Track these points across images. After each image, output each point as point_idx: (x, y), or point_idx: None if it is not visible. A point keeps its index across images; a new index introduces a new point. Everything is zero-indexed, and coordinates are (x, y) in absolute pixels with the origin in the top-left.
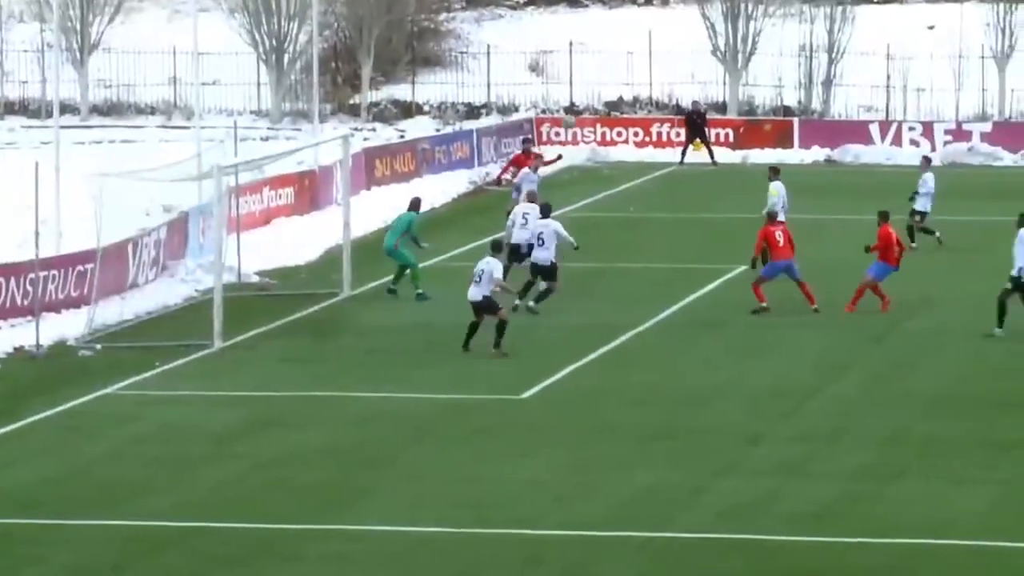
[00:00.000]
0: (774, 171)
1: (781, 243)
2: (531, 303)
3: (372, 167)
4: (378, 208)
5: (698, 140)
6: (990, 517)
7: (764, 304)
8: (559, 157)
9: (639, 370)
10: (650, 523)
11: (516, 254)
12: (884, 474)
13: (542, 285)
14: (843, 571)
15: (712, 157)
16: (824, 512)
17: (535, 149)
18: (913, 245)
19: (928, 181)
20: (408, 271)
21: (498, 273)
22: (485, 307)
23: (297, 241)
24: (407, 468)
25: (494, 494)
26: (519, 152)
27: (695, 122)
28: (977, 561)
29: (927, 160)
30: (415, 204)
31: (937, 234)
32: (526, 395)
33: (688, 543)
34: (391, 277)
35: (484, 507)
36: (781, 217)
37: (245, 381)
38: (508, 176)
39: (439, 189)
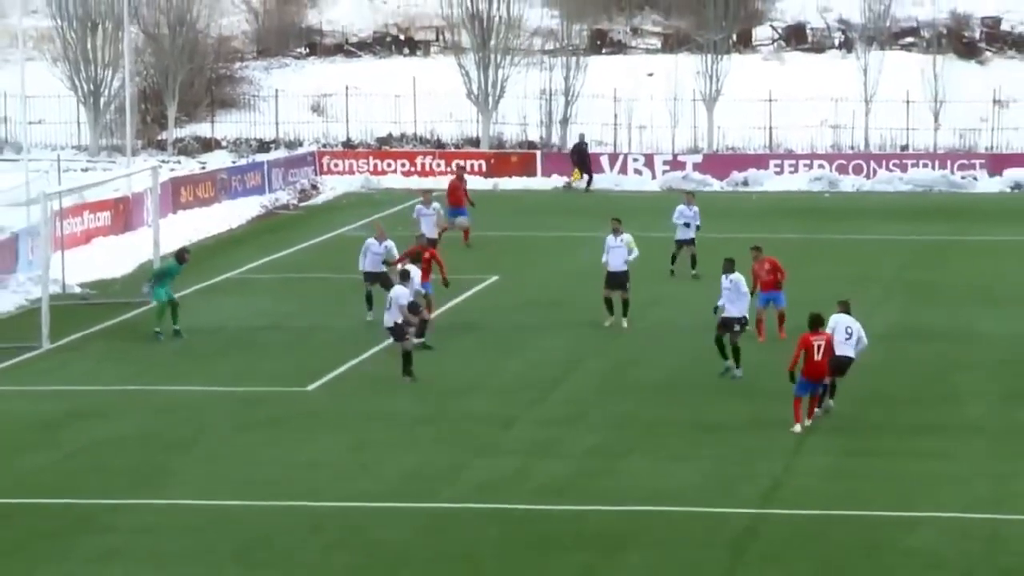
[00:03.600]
0: (617, 221)
1: (819, 357)
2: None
3: (178, 193)
4: (183, 228)
5: (577, 171)
6: (703, 487)
7: (802, 423)
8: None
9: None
10: (418, 496)
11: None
12: (615, 452)
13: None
14: (584, 535)
15: (588, 186)
16: (566, 485)
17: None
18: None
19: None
20: (168, 307)
21: (404, 300)
22: (394, 334)
23: (113, 257)
24: (206, 451)
25: (282, 473)
26: (454, 179)
27: (581, 153)
28: (694, 524)
29: (691, 195)
30: (181, 257)
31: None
32: (311, 387)
33: (451, 512)
34: (182, 293)
35: (273, 484)
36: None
37: (68, 378)
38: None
39: (235, 213)
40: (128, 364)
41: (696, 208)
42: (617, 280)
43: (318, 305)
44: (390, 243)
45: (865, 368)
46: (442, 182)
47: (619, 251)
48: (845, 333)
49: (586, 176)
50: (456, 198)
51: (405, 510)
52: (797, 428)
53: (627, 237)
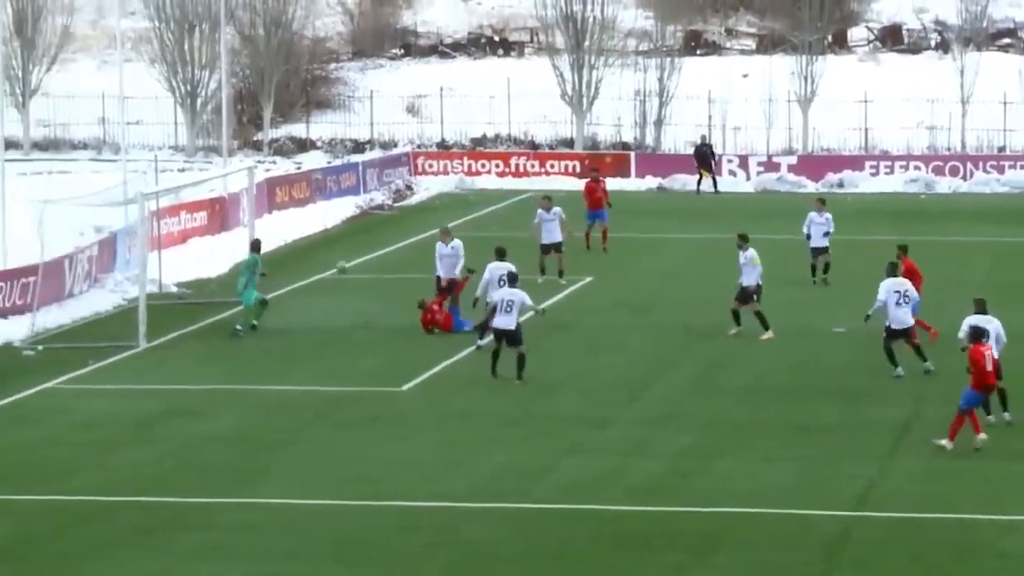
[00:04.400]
0: (742, 239)
1: (989, 368)
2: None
3: (273, 194)
4: (279, 228)
5: (703, 171)
6: (795, 488)
7: (982, 438)
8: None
9: (500, 365)
10: (510, 495)
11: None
12: (707, 452)
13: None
14: (675, 536)
15: (716, 186)
16: (657, 486)
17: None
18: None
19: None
20: (261, 305)
21: (528, 301)
22: (512, 336)
23: (209, 257)
24: (302, 450)
25: (376, 472)
26: (589, 180)
27: (703, 154)
28: (786, 526)
29: (821, 201)
30: (256, 246)
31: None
32: (406, 387)
33: (542, 512)
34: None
35: (368, 483)
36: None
37: (164, 376)
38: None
39: (330, 213)
40: (223, 363)
41: (828, 214)
42: (746, 295)
43: (412, 305)
44: (458, 243)
45: (959, 370)
46: (536, 184)
47: (749, 268)
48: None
49: (711, 177)
50: (595, 200)
51: (497, 510)
52: (947, 445)
53: (751, 253)
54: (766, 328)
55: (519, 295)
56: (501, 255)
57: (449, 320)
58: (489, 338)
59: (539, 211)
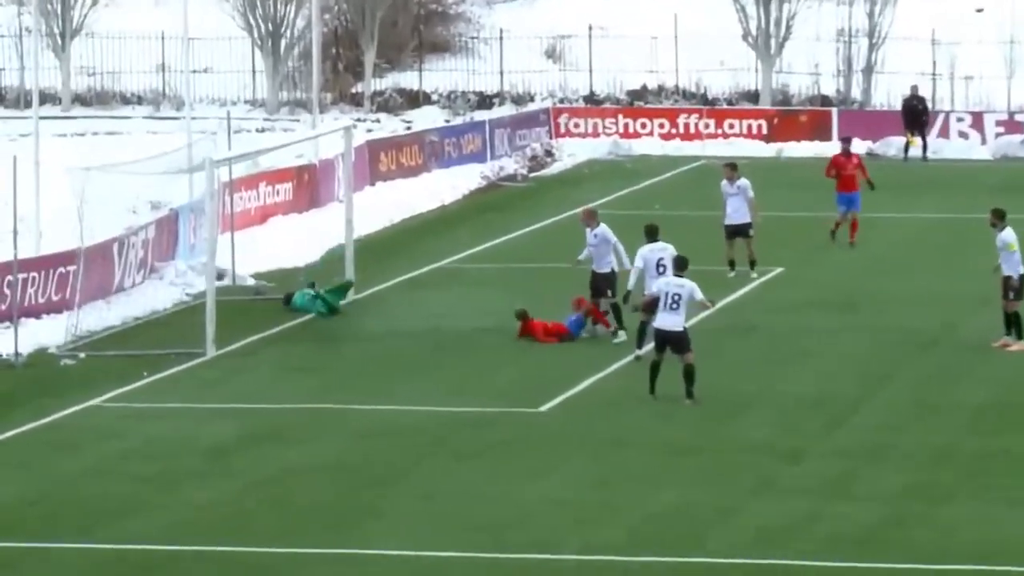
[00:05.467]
0: (997, 216)
1: None
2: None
3: (376, 161)
4: (383, 205)
5: (912, 133)
6: None
7: None
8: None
9: (664, 380)
10: (679, 546)
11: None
12: (932, 494)
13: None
14: None
15: (924, 152)
16: (867, 536)
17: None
18: None
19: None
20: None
21: (699, 294)
22: (678, 341)
23: (296, 240)
24: (417, 486)
25: (511, 515)
26: (838, 153)
27: (915, 110)
28: None
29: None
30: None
31: None
32: (544, 408)
33: (719, 569)
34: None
35: (501, 529)
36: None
37: (240, 392)
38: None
39: (448, 184)
40: (314, 376)
41: None
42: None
43: (552, 303)
44: (603, 229)
45: None
46: (710, 147)
47: (1006, 256)
48: None
49: (920, 140)
50: (847, 180)
51: (660, 565)
52: None
53: (1007, 236)
54: (1020, 336)
55: (687, 286)
56: (652, 234)
57: (552, 332)
58: (649, 346)
59: (722, 183)
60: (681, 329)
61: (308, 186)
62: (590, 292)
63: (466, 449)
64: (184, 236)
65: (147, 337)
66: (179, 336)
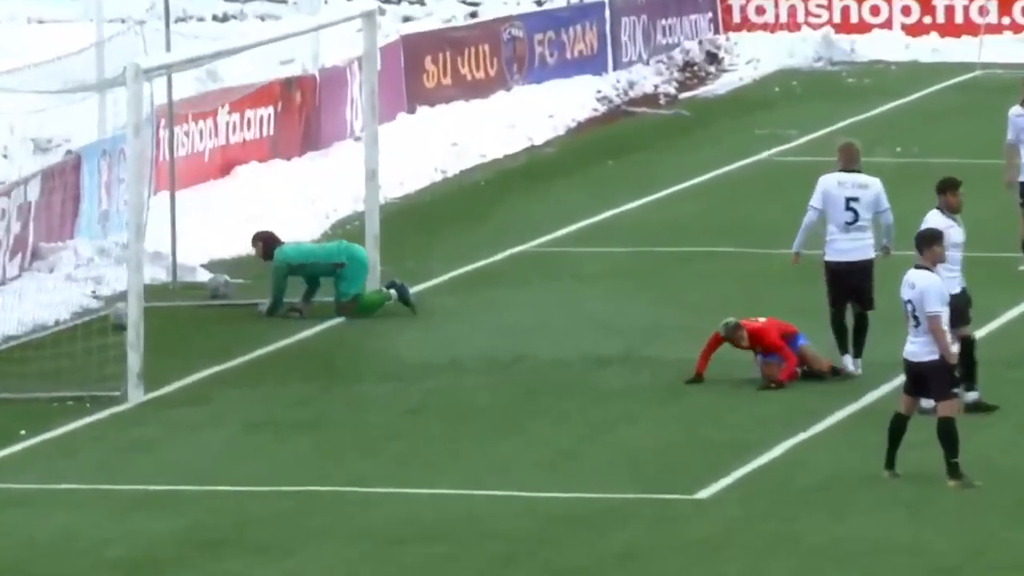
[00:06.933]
0: None
1: None
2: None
3: (419, 71)
4: (429, 146)
5: None
6: None
7: None
8: None
9: (907, 445)
10: None
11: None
12: None
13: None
14: None
15: None
16: None
17: None
18: None
19: None
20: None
21: (941, 310)
22: (933, 379)
23: (279, 205)
24: None
25: None
26: None
27: None
28: None
29: None
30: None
31: None
32: (702, 494)
33: None
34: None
35: None
36: None
37: (181, 464)
38: None
39: (543, 111)
40: (307, 436)
41: None
42: None
43: (700, 312)
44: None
45: None
46: (989, 48)
47: None
48: None
49: None
50: None
51: None
52: None
53: None
54: None
55: (932, 282)
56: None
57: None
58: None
59: (1012, 110)
60: (937, 358)
61: (301, 114)
62: (829, 299)
63: (569, 565)
64: (91, 198)
65: (26, 370)
66: (80, 369)
